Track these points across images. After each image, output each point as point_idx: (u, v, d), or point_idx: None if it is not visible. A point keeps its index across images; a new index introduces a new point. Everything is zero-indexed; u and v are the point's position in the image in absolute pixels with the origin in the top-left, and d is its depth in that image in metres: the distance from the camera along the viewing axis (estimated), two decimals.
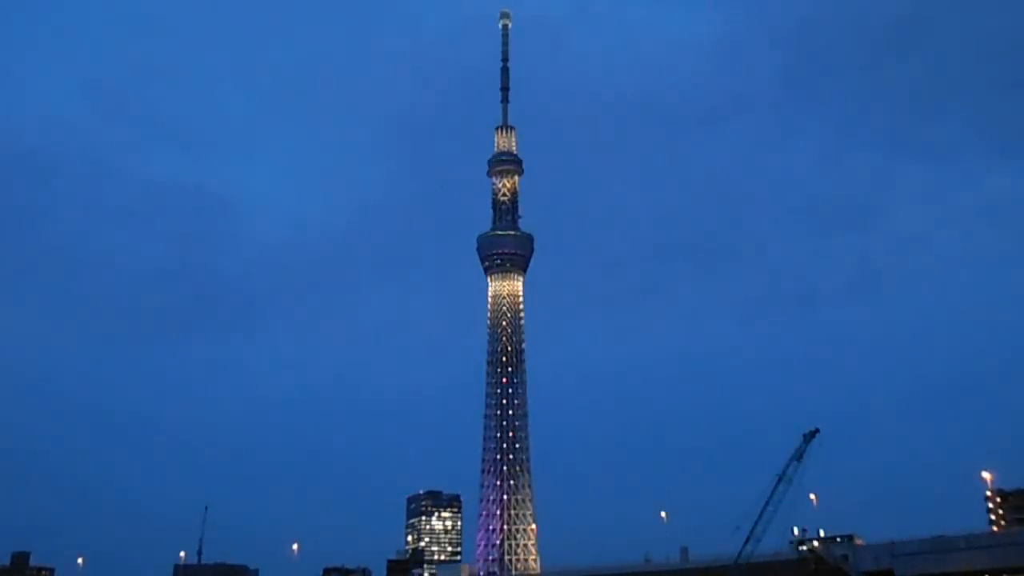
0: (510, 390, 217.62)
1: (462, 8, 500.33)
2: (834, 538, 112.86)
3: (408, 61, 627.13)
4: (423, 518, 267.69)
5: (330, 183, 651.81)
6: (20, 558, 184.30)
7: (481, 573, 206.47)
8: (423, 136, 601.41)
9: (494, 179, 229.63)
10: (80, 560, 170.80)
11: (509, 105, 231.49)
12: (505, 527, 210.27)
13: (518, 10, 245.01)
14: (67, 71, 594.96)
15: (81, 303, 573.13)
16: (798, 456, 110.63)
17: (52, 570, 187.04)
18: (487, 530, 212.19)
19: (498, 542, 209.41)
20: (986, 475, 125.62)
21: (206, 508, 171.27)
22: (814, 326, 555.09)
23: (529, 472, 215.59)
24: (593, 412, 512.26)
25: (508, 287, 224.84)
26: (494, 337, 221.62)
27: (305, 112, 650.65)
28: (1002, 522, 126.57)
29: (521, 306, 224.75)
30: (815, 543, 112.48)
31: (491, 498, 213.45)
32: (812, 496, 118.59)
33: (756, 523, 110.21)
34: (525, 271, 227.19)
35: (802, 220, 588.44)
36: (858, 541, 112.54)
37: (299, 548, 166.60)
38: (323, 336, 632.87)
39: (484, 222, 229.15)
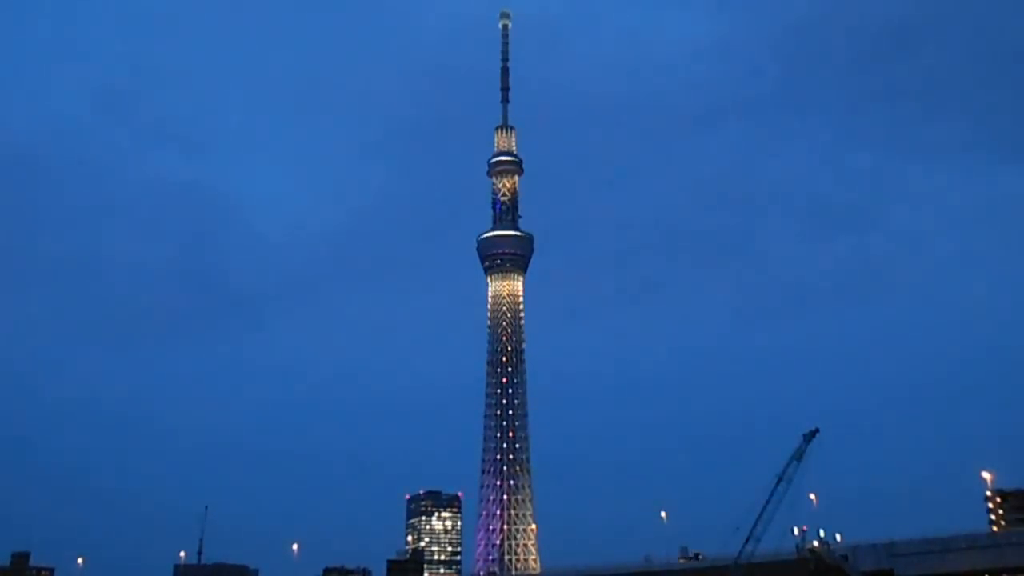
0: (510, 390, 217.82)
1: (462, 8, 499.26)
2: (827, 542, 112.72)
3: (409, 61, 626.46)
4: (423, 518, 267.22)
5: (331, 183, 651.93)
6: (20, 558, 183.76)
7: (481, 573, 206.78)
8: (423, 136, 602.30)
9: (494, 179, 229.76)
10: (80, 560, 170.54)
11: (509, 105, 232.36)
12: (505, 527, 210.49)
13: (518, 10, 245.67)
14: (70, 72, 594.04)
15: (82, 303, 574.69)
16: (798, 456, 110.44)
17: (52, 570, 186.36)
18: (487, 530, 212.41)
19: (498, 542, 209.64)
20: (986, 475, 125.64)
21: (206, 508, 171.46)
22: (813, 326, 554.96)
23: (529, 472, 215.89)
24: (593, 412, 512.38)
25: (508, 287, 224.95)
26: (494, 337, 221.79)
27: (306, 112, 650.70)
28: (1002, 522, 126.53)
29: (521, 306, 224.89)
30: (815, 543, 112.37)
31: (491, 498, 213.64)
32: (812, 496, 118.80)
33: (756, 523, 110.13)
34: (525, 271, 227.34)
35: (802, 220, 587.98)
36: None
37: (299, 548, 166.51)
38: (323, 336, 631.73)
39: (484, 222, 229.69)
